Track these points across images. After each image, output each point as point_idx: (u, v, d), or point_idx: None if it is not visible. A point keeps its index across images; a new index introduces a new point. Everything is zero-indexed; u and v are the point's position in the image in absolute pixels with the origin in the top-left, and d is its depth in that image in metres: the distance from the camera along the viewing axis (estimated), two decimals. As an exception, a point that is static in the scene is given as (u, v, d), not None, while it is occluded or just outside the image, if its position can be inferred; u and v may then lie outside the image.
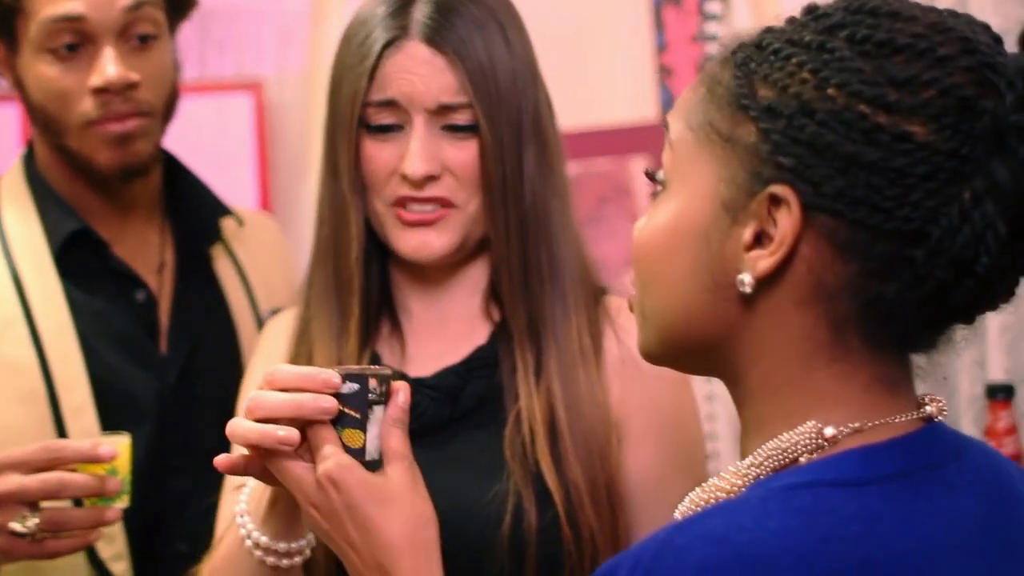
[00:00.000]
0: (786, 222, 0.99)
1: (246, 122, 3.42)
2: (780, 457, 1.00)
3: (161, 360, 1.78)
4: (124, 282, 1.79)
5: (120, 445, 1.53)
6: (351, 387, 1.20)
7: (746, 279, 1.01)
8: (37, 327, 1.69)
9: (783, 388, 1.02)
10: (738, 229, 1.02)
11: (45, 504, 1.53)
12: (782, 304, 1.01)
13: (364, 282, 1.55)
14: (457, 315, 1.57)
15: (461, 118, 1.48)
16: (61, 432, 1.68)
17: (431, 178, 1.50)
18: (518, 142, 1.50)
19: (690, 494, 1.05)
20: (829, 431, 1.00)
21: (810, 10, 1.07)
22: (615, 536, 1.49)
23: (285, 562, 1.38)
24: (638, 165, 3.60)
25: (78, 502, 1.56)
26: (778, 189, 0.99)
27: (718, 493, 1.02)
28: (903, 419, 1.02)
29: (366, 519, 1.19)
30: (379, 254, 1.57)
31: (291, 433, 1.21)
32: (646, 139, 3.60)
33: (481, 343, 1.56)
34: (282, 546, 1.35)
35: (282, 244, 2.03)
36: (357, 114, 1.52)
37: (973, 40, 1.00)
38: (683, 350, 1.08)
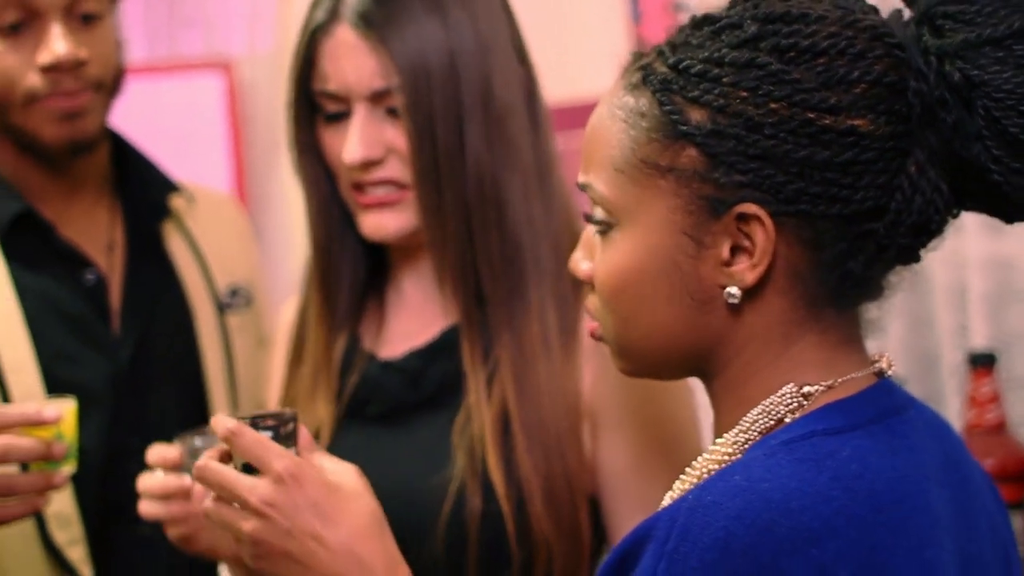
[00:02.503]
0: (761, 235, 1.05)
1: (217, 102, 3.38)
2: (765, 420, 1.07)
3: (113, 341, 1.76)
4: (72, 263, 1.77)
5: (65, 409, 1.51)
6: (266, 435, 1.20)
7: (733, 291, 1.06)
8: None
9: (764, 368, 1.09)
10: (707, 250, 1.06)
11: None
12: (764, 300, 1.07)
13: (332, 264, 1.54)
14: (434, 296, 1.54)
15: (396, 101, 1.46)
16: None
17: (374, 162, 1.48)
18: (457, 121, 1.46)
19: (681, 475, 1.10)
20: (807, 389, 1.07)
21: (706, 22, 1.09)
22: (576, 532, 1.46)
23: None
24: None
25: (24, 468, 1.54)
26: (745, 207, 1.04)
27: (711, 466, 1.08)
28: (862, 374, 1.10)
29: (333, 509, 1.18)
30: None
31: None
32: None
33: (449, 325, 1.54)
34: None
35: (240, 221, 2.00)
36: (297, 99, 1.51)
37: (877, 26, 1.07)
38: (668, 365, 1.14)
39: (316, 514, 1.18)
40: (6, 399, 1.66)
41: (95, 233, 1.81)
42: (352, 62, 1.45)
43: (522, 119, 1.50)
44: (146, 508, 1.40)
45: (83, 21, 1.71)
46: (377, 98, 1.46)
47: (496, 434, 1.45)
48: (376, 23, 1.44)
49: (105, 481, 1.70)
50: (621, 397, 1.49)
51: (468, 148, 1.46)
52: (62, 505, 1.66)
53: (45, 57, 1.67)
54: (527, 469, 1.44)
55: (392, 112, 1.46)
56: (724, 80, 1.05)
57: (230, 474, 1.20)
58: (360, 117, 1.46)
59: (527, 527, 1.43)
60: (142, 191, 1.82)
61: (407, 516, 1.40)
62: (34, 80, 1.68)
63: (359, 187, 1.49)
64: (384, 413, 1.51)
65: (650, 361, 1.14)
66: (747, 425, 1.08)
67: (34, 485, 1.52)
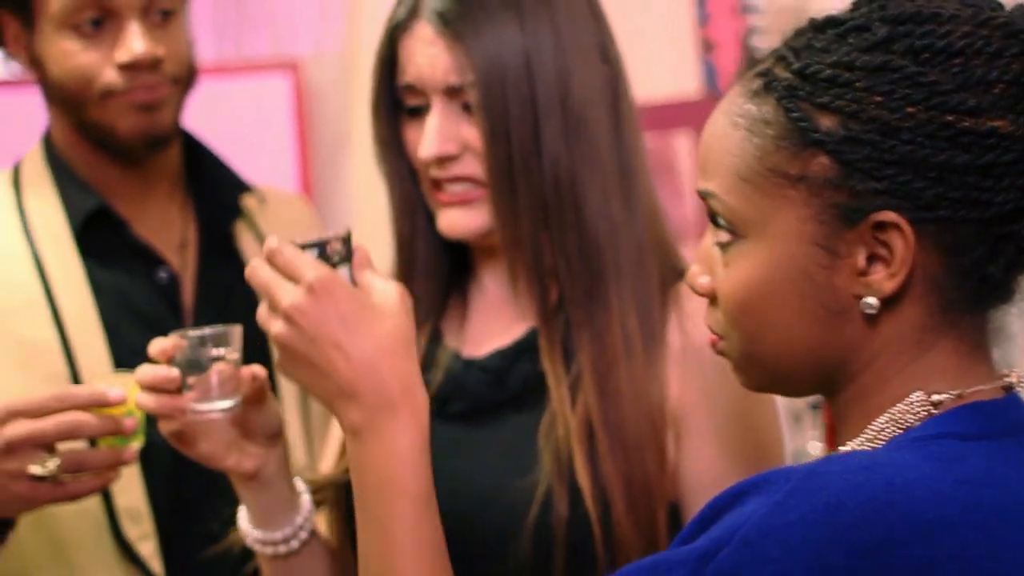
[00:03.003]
0: (900, 243, 1.03)
1: (284, 102, 3.40)
2: (892, 428, 1.05)
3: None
4: (146, 261, 1.79)
5: (131, 386, 1.52)
6: (311, 255, 1.21)
7: (871, 301, 1.04)
8: (59, 308, 1.68)
9: (895, 376, 1.07)
10: (841, 260, 1.04)
11: (61, 447, 1.52)
12: (900, 309, 1.05)
13: (415, 260, 1.54)
14: (519, 292, 1.53)
15: (470, 97, 1.46)
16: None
17: (450, 158, 1.47)
18: (532, 119, 1.45)
19: None
20: (936, 398, 1.05)
21: (830, 25, 1.07)
22: (653, 537, 1.44)
23: (282, 549, 1.44)
24: (682, 141, 3.57)
25: (93, 444, 1.55)
26: (883, 215, 1.02)
27: None
28: (991, 386, 1.08)
29: (359, 323, 1.18)
30: None
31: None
32: (689, 114, 3.57)
33: (533, 325, 1.53)
34: (275, 535, 1.42)
35: (310, 220, 2.01)
36: (379, 95, 1.52)
37: (1010, 23, 1.04)
38: (796, 379, 1.12)
39: (341, 325, 1.18)
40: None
41: (168, 232, 1.82)
42: (428, 57, 1.46)
43: (604, 119, 1.48)
44: (140, 398, 1.40)
45: (161, 17, 1.74)
46: (452, 93, 1.46)
47: (582, 438, 1.44)
48: (453, 20, 1.45)
49: (175, 478, 1.71)
50: (708, 404, 1.47)
51: (544, 147, 1.45)
52: (133, 500, 1.68)
53: (123, 55, 1.69)
54: (610, 471, 1.43)
55: (468, 108, 1.46)
56: (856, 85, 1.02)
57: (271, 275, 1.21)
58: (436, 112, 1.46)
59: (611, 531, 1.42)
60: (214, 191, 1.84)
61: (494, 519, 1.40)
62: (111, 77, 1.70)
63: (438, 184, 1.50)
64: (466, 411, 1.51)
65: (778, 375, 1.12)
66: (873, 433, 1.06)
67: (105, 460, 1.52)
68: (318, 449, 1.77)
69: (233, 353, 1.39)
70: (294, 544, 1.44)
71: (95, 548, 1.68)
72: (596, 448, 1.43)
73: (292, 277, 1.20)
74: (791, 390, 1.16)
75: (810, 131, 1.03)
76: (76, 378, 1.68)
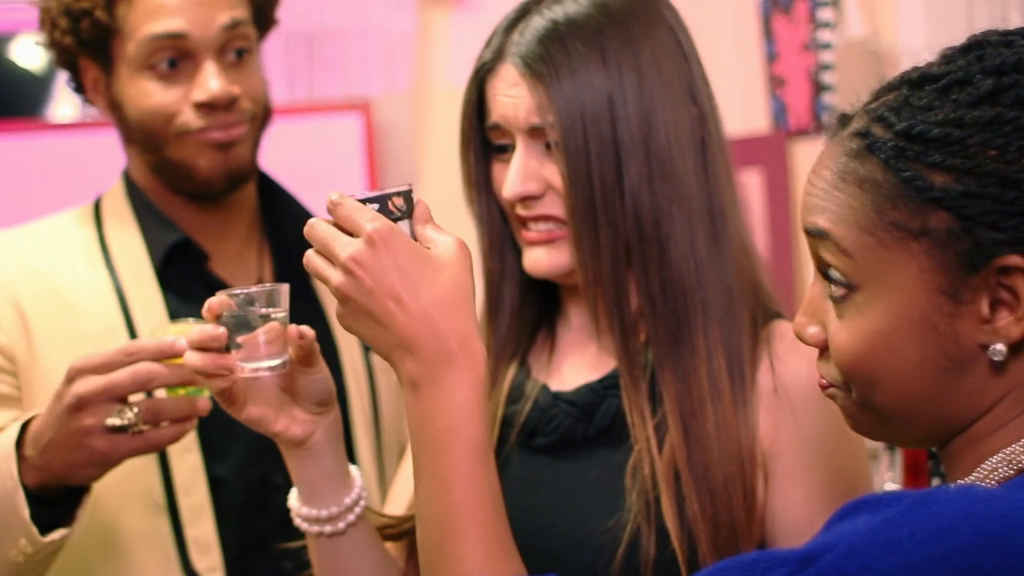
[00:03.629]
0: None
1: (355, 142, 3.44)
2: (1005, 469, 1.04)
3: None
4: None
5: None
6: (372, 208, 1.21)
7: (1000, 348, 1.03)
8: (138, 337, 1.70)
9: (1012, 420, 1.05)
10: (965, 307, 1.03)
11: (133, 400, 1.52)
12: None
13: (502, 297, 1.55)
14: (602, 333, 1.53)
15: (552, 137, 1.46)
16: (171, 495, 1.69)
17: (532, 197, 1.48)
18: (614, 160, 1.45)
19: None
20: None
21: (927, 81, 1.06)
22: None
23: (328, 528, 1.42)
24: (752, 177, 3.56)
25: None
26: (1008, 260, 1.01)
27: None
28: None
29: (418, 275, 1.18)
30: None
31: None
32: (758, 151, 3.56)
33: None
34: (321, 512, 1.41)
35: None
36: (467, 136, 1.53)
37: None
38: (912, 428, 1.09)
39: (400, 277, 1.17)
40: (170, 486, 1.69)
41: (244, 270, 1.84)
42: (512, 98, 1.46)
43: (690, 158, 1.47)
44: (188, 357, 1.38)
45: (235, 57, 1.76)
46: (535, 133, 1.47)
47: (668, 479, 1.43)
48: (535, 62, 1.45)
49: (246, 512, 1.72)
50: (798, 445, 1.45)
51: (626, 187, 1.45)
52: (203, 531, 1.69)
53: (200, 95, 1.72)
54: (695, 514, 1.41)
55: (550, 148, 1.47)
56: (969, 141, 1.01)
57: (330, 229, 1.21)
58: (519, 152, 1.47)
59: (696, 571, 1.41)
60: (290, 231, 1.86)
61: (582, 558, 1.40)
62: (189, 116, 1.73)
63: (523, 223, 1.50)
64: (553, 444, 1.51)
65: (892, 425, 1.10)
66: (984, 473, 1.04)
67: (182, 408, 1.52)
68: (388, 483, 1.78)
69: (280, 312, 1.36)
70: (340, 525, 1.42)
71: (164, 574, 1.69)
72: (682, 489, 1.42)
73: (352, 229, 1.20)
74: (903, 440, 1.15)
75: (925, 190, 1.02)
76: (164, 457, 1.70)
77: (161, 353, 1.49)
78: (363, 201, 1.22)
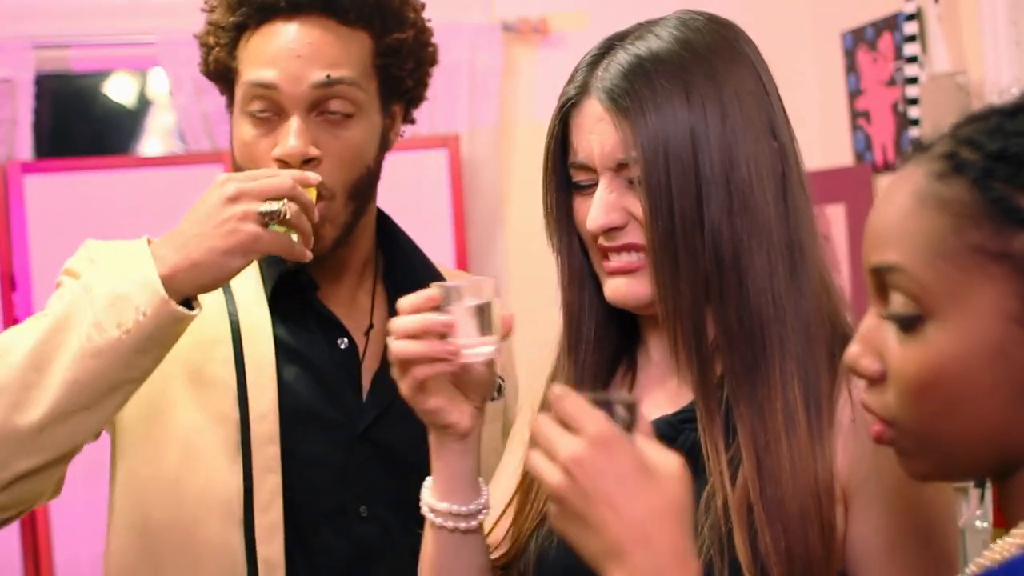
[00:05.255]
0: None
1: (443, 175, 3.48)
2: None
3: (358, 407, 1.80)
4: (330, 329, 1.82)
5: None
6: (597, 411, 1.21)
7: None
8: (243, 351, 1.72)
9: None
10: None
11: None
12: None
13: (583, 330, 1.56)
14: (680, 365, 1.54)
15: (636, 172, 1.48)
16: (246, 454, 1.70)
17: (616, 228, 1.50)
18: (695, 193, 1.46)
19: (977, 559, 1.04)
20: None
21: (1022, 110, 1.05)
22: None
23: (464, 525, 1.44)
24: (836, 212, 3.55)
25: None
26: None
27: (1012, 551, 1.02)
28: None
29: (636, 484, 1.14)
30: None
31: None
32: (842, 185, 3.55)
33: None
34: (461, 508, 1.43)
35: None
36: (550, 171, 1.54)
37: None
38: (974, 464, 1.07)
39: (618, 484, 1.14)
40: (246, 440, 1.71)
41: (356, 315, 1.83)
42: (597, 134, 1.48)
43: (771, 193, 1.47)
44: (403, 346, 1.40)
45: (335, 117, 1.74)
46: (619, 168, 1.49)
47: (741, 512, 1.43)
48: (620, 97, 1.47)
49: (321, 537, 1.73)
50: (876, 477, 1.44)
51: (707, 220, 1.45)
52: (274, 552, 1.70)
53: (277, 150, 1.71)
54: (768, 547, 1.42)
55: (633, 183, 1.48)
56: None
57: (554, 428, 1.17)
58: (603, 186, 1.48)
59: None
60: (407, 280, 1.83)
61: None
62: (272, 167, 1.72)
63: (605, 254, 1.52)
64: None
65: (951, 461, 1.07)
66: None
67: (315, 211, 1.61)
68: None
69: (487, 299, 1.41)
70: (473, 523, 1.44)
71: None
72: (755, 523, 1.42)
73: (575, 428, 1.16)
74: (959, 475, 1.12)
75: (1012, 211, 1.01)
76: (245, 418, 1.72)
77: (302, 180, 1.59)
78: (589, 400, 1.19)
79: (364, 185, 1.74)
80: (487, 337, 1.41)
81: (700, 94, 1.46)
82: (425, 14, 1.78)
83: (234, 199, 1.55)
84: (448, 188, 3.50)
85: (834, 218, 3.47)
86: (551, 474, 1.15)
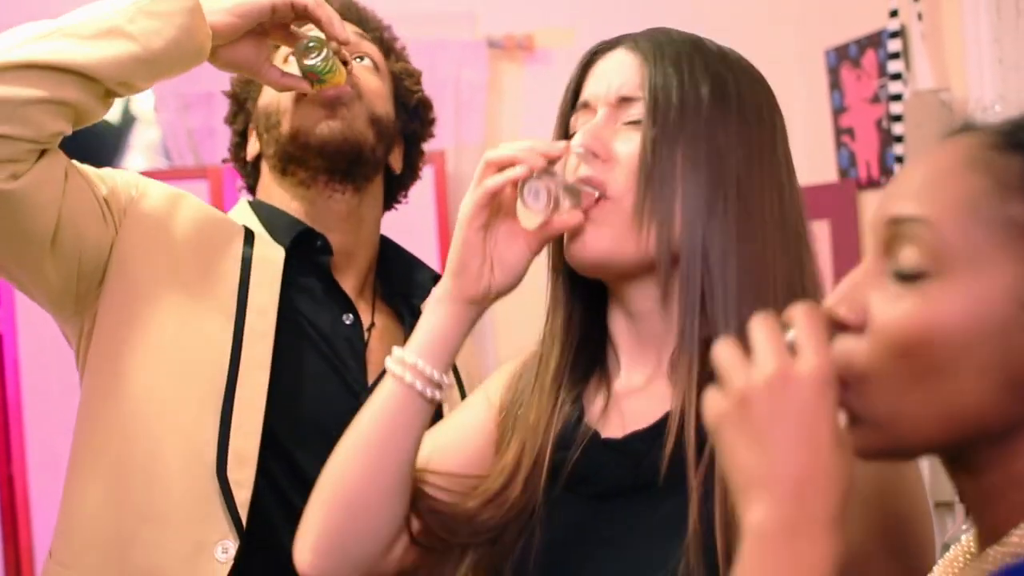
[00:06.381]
0: None
1: (428, 192, 3.48)
2: None
3: (357, 380, 1.81)
4: (338, 302, 1.83)
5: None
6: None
7: None
8: (246, 313, 1.73)
9: None
10: None
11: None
12: None
13: (567, 340, 1.57)
14: (661, 374, 1.55)
15: (637, 111, 1.49)
16: (236, 348, 1.72)
17: (595, 156, 1.52)
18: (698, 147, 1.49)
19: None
20: None
21: None
22: None
23: (429, 392, 1.42)
24: (820, 228, 3.56)
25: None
26: None
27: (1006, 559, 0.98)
28: None
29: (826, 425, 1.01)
30: (599, 305, 1.58)
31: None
32: (827, 201, 3.56)
33: (669, 408, 1.54)
34: (433, 374, 1.42)
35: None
36: (560, 123, 1.56)
37: None
38: (934, 445, 1.03)
39: (797, 423, 1.01)
40: (231, 396, 1.71)
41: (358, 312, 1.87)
42: (614, 72, 1.48)
43: (768, 200, 1.49)
44: (503, 149, 1.40)
45: (359, 61, 1.84)
46: (620, 103, 1.48)
47: (723, 527, 1.44)
48: (650, 51, 1.48)
49: (292, 446, 1.73)
50: (859, 484, 1.45)
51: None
52: (247, 444, 1.70)
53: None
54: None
55: (630, 124, 1.48)
56: None
57: (735, 358, 1.06)
58: (599, 116, 1.49)
59: None
60: (404, 291, 1.88)
61: None
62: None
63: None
64: (600, 493, 1.52)
65: (911, 437, 1.02)
66: None
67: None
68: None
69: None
70: (438, 395, 1.42)
71: (193, 478, 1.68)
72: (734, 539, 1.43)
73: (759, 356, 1.04)
74: (906, 453, 1.07)
75: None
76: (234, 372, 1.71)
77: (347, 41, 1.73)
78: None
79: (386, 128, 1.88)
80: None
81: (728, 92, 1.46)
82: (411, 31, 1.84)
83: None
84: (433, 204, 3.50)
85: (818, 235, 3.48)
86: (719, 402, 1.04)
